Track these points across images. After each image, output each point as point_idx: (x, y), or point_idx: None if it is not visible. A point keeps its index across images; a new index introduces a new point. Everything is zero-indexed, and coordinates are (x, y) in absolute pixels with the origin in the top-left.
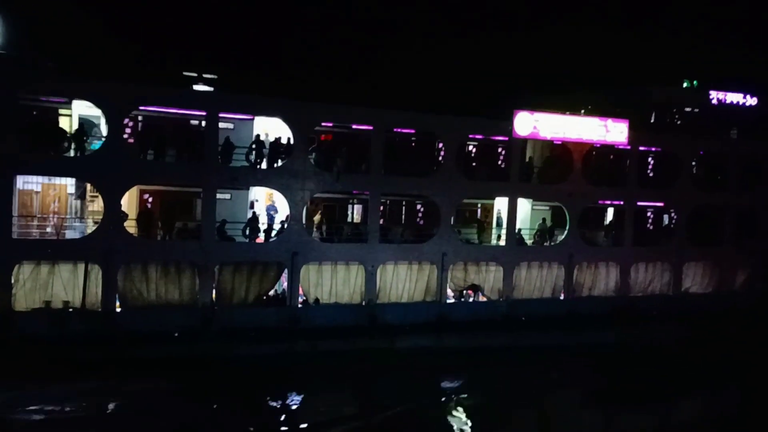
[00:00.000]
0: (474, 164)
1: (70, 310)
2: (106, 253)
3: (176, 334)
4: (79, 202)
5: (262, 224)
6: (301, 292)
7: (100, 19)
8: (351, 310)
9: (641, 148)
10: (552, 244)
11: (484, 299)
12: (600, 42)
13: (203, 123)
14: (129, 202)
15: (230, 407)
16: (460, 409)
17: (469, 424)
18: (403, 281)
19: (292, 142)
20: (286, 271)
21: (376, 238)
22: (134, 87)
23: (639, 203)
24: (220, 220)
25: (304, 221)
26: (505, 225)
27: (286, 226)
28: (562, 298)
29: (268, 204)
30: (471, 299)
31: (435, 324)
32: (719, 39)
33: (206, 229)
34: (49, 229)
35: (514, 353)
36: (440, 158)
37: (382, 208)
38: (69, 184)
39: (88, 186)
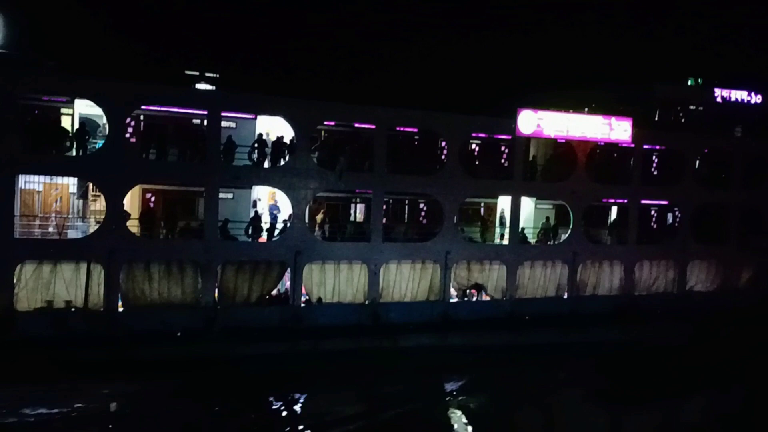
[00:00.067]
0: (477, 163)
1: (72, 310)
2: (108, 252)
3: (179, 334)
4: (81, 201)
5: (265, 223)
6: (303, 291)
7: (102, 17)
8: (354, 310)
9: (645, 146)
10: (555, 242)
11: (488, 298)
12: (604, 40)
13: (205, 122)
14: (131, 201)
15: (233, 407)
16: (464, 409)
17: (473, 424)
18: (406, 280)
19: (294, 141)
20: (289, 270)
21: (379, 237)
22: (136, 86)
23: (643, 201)
24: (222, 220)
25: (306, 220)
26: (508, 224)
27: (288, 225)
28: (565, 296)
29: (270, 203)
30: (474, 298)
31: (438, 323)
32: (724, 36)
33: (209, 228)
34: (51, 229)
35: (518, 352)
36: (443, 157)
37: (385, 207)
38: (71, 183)
39: (90, 185)
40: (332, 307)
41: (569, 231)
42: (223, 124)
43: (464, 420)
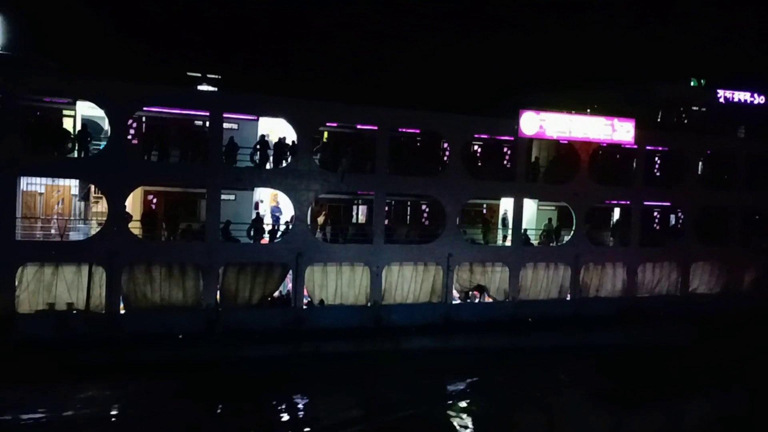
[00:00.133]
0: (479, 164)
1: (74, 312)
2: (110, 254)
3: (180, 336)
4: (83, 203)
5: (267, 225)
6: (305, 293)
7: (104, 18)
8: (356, 312)
9: (648, 147)
10: (558, 244)
11: (490, 300)
12: (606, 40)
13: (207, 123)
14: (133, 203)
15: (235, 410)
16: (466, 411)
17: (476, 427)
18: (408, 282)
19: (296, 142)
20: (290, 272)
21: (381, 238)
22: (138, 87)
23: (646, 203)
24: (224, 221)
25: (308, 222)
26: (511, 225)
27: (290, 226)
28: (568, 298)
29: (272, 205)
30: (477, 300)
31: (441, 325)
32: (727, 37)
33: (210, 230)
34: (52, 231)
35: (521, 354)
36: (445, 158)
37: (387, 208)
38: (73, 185)
39: (92, 187)
40: (334, 309)
41: (572, 233)
42: (225, 125)
43: (466, 423)
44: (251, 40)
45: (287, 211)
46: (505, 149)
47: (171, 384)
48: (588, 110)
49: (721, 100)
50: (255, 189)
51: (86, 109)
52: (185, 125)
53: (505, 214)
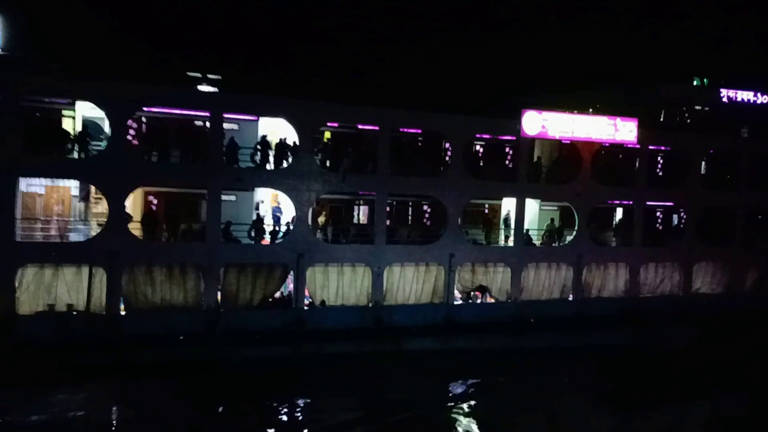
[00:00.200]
0: (481, 164)
1: (74, 313)
2: (110, 255)
3: (181, 337)
4: (83, 204)
5: (268, 225)
6: (307, 293)
7: (104, 19)
8: (357, 312)
9: (651, 147)
10: (560, 244)
11: (492, 301)
12: (609, 40)
13: (208, 124)
14: (133, 204)
15: (236, 411)
16: (468, 413)
17: (478, 429)
18: (410, 283)
19: (297, 142)
20: (291, 273)
21: (383, 239)
22: (138, 87)
23: (648, 203)
24: (225, 222)
25: (310, 222)
26: (513, 225)
27: (291, 227)
28: (570, 299)
29: (273, 205)
30: (479, 301)
31: (442, 326)
32: (730, 36)
33: (211, 230)
34: (52, 232)
35: (523, 355)
36: (447, 158)
37: (388, 208)
38: (73, 186)
39: (92, 188)
40: (335, 310)
41: (574, 233)
42: (226, 125)
43: (468, 425)
44: (252, 40)
45: (288, 211)
46: (507, 149)
47: (172, 385)
48: (590, 110)
49: (725, 99)
50: (256, 189)
51: (86, 109)
52: (185, 126)
53: (508, 214)
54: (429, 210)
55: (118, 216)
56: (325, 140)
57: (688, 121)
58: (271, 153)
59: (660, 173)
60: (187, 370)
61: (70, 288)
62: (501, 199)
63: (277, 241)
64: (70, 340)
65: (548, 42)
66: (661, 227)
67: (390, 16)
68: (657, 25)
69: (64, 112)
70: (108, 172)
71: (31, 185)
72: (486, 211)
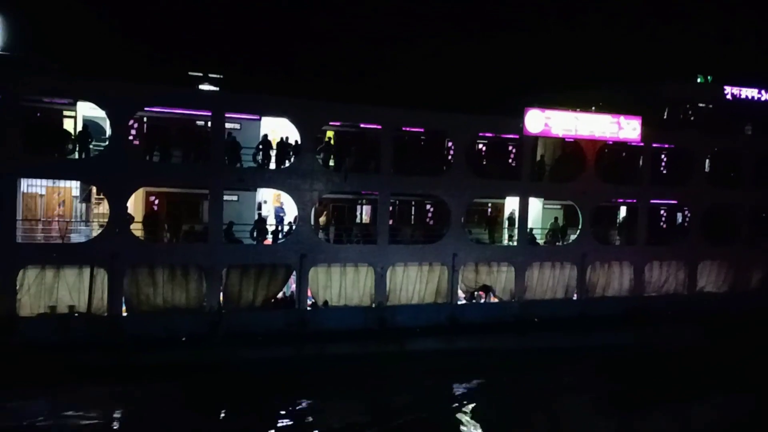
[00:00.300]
0: (484, 163)
1: (76, 315)
2: (111, 256)
3: (183, 339)
4: (84, 205)
5: (270, 225)
6: (309, 294)
7: (104, 18)
8: (360, 313)
9: (654, 145)
10: (564, 243)
11: (496, 300)
12: (612, 37)
13: (209, 123)
14: (135, 204)
15: (239, 413)
16: (472, 415)
17: (482, 431)
18: (413, 283)
19: (299, 142)
20: (294, 273)
21: (386, 239)
22: (139, 87)
23: (652, 201)
24: (227, 222)
25: (312, 222)
26: (516, 224)
27: (294, 227)
28: (575, 298)
29: (276, 205)
30: (482, 300)
31: (446, 326)
32: (734, 33)
33: (213, 231)
34: (53, 233)
35: (527, 355)
36: (450, 157)
37: (391, 208)
38: (74, 187)
39: (94, 189)
40: (338, 311)
41: (578, 232)
42: (228, 125)
43: (472, 426)
44: (253, 40)
45: (291, 211)
46: (510, 148)
47: (174, 387)
48: (593, 108)
49: (729, 96)
50: (258, 189)
51: (87, 109)
52: (187, 125)
53: (513, 213)
54: (432, 209)
55: (119, 217)
56: (327, 139)
57: (692, 118)
58: (273, 152)
59: (664, 171)
60: (189, 372)
61: (72, 289)
62: (504, 198)
63: (279, 242)
64: (72, 341)
65: (550, 41)
66: (665, 226)
67: (391, 16)
68: (660, 23)
69: (65, 112)
70: (109, 173)
71: (31, 186)
72: (489, 210)
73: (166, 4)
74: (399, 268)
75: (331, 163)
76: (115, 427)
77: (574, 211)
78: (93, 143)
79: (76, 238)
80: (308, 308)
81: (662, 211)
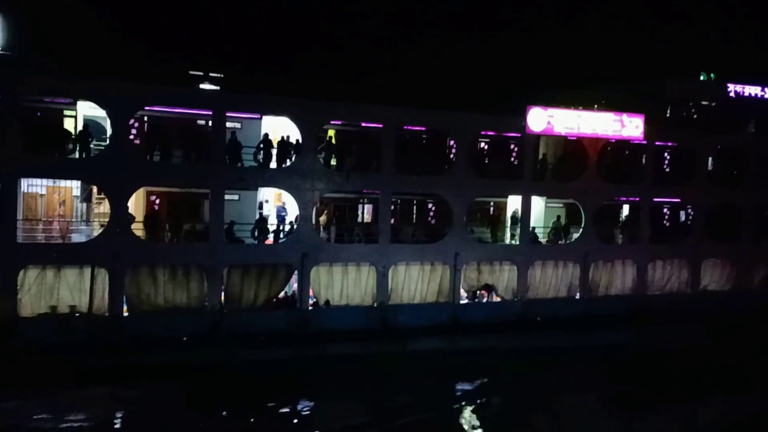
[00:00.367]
0: (486, 162)
1: (77, 315)
2: (112, 256)
3: (185, 339)
4: (84, 205)
5: (271, 225)
6: (311, 294)
7: (104, 18)
8: (362, 313)
9: (657, 144)
10: (567, 242)
11: (498, 299)
12: (613, 36)
13: (210, 123)
14: (136, 204)
15: (240, 414)
16: (475, 415)
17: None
18: (415, 282)
19: (300, 141)
20: (296, 273)
21: (388, 238)
22: (139, 87)
23: (655, 200)
24: (228, 222)
25: (314, 222)
26: (519, 223)
27: (295, 227)
28: (577, 297)
29: (278, 205)
30: (485, 300)
31: (448, 325)
32: (736, 31)
33: (214, 231)
34: (54, 233)
35: (530, 355)
36: (452, 156)
37: (393, 207)
38: (74, 186)
39: (94, 188)
40: (340, 311)
41: (580, 230)
42: (228, 124)
43: (474, 427)
44: (254, 39)
45: (293, 210)
46: (513, 146)
47: (175, 387)
48: (595, 106)
49: (732, 94)
50: (259, 189)
51: (87, 109)
52: (188, 125)
53: (516, 212)
54: (434, 208)
55: (120, 216)
56: (329, 138)
57: (695, 116)
58: (274, 152)
59: (667, 170)
60: (190, 373)
61: (72, 290)
62: (506, 197)
63: (280, 241)
64: (73, 342)
65: (552, 40)
66: (668, 224)
67: (392, 16)
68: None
69: (66, 112)
70: (110, 172)
71: (32, 186)
72: (491, 209)
73: (166, 4)
74: (401, 267)
75: (333, 162)
76: (115, 428)
77: (577, 209)
78: (93, 143)
79: (76, 238)
80: (310, 308)
81: (665, 210)
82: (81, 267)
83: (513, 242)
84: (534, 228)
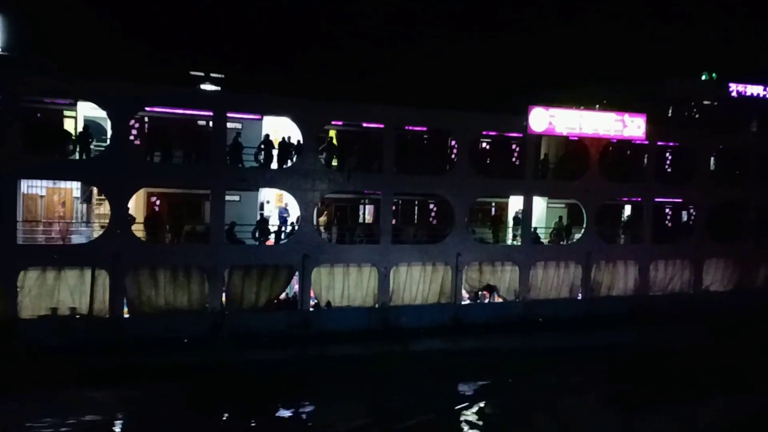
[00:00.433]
0: (488, 162)
1: (77, 316)
2: (113, 258)
3: (185, 340)
4: (85, 206)
5: (272, 226)
6: (312, 295)
7: (105, 18)
8: (364, 313)
9: (659, 143)
10: (569, 242)
11: (500, 300)
12: (613, 36)
13: (211, 123)
14: (136, 205)
15: (241, 415)
16: (477, 417)
17: None
18: (416, 283)
19: (301, 141)
20: (297, 274)
21: (389, 238)
22: (140, 87)
23: (657, 199)
24: (229, 223)
25: (315, 222)
26: (521, 224)
27: (296, 227)
28: (579, 298)
29: (279, 206)
30: (486, 300)
31: (450, 326)
32: (737, 31)
33: (215, 232)
34: (54, 235)
35: (532, 355)
36: (453, 156)
37: (394, 208)
38: (74, 187)
39: (94, 189)
40: (341, 312)
41: (582, 230)
42: (229, 125)
43: (476, 428)
44: (254, 39)
45: (294, 212)
46: (514, 146)
47: (176, 389)
48: (597, 106)
49: (734, 94)
50: (260, 190)
51: (88, 109)
52: (188, 125)
53: (518, 212)
54: (435, 209)
55: (120, 218)
56: (330, 139)
57: (697, 116)
58: (275, 152)
59: (668, 169)
60: (191, 374)
61: (73, 291)
62: (508, 197)
63: (281, 242)
64: (73, 343)
65: (553, 40)
66: (670, 224)
67: (392, 16)
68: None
69: (66, 112)
70: (110, 173)
71: (32, 187)
72: (493, 209)
73: (166, 4)
74: (402, 268)
75: (334, 162)
76: (116, 429)
77: (579, 209)
78: (94, 143)
79: (77, 239)
80: (311, 309)
81: (667, 210)
82: (81, 268)
83: (515, 242)
84: (536, 228)
